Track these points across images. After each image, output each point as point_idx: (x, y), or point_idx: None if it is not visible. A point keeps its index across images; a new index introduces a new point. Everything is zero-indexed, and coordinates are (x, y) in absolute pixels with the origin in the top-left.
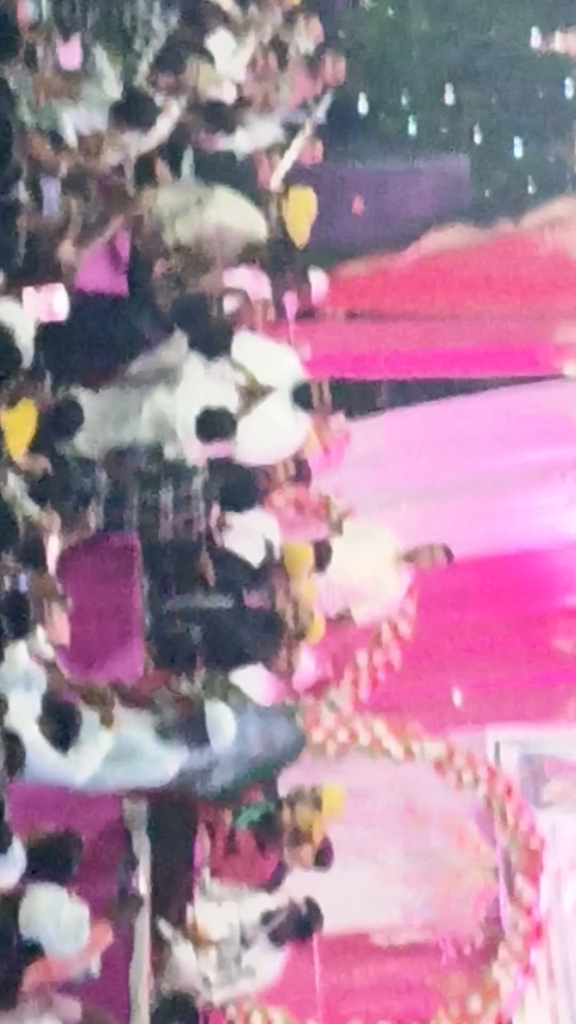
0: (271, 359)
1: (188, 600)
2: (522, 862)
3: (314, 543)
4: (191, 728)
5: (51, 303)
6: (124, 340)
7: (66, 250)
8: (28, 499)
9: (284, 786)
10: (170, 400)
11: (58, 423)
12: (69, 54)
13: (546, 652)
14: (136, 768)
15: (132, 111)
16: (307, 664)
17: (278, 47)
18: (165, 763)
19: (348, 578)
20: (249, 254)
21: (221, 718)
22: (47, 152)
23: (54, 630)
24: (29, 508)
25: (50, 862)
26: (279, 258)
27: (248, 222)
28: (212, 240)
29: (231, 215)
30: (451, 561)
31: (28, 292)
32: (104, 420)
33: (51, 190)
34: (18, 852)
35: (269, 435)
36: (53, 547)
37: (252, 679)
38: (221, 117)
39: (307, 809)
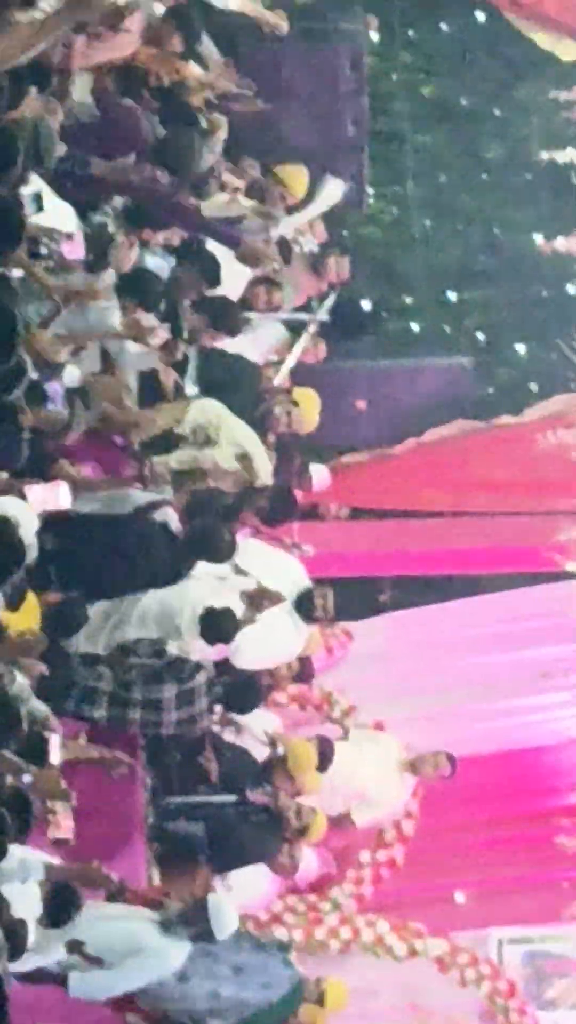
0: (277, 566)
1: (191, 796)
2: None
3: (318, 740)
4: (194, 920)
5: (56, 499)
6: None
7: (63, 467)
8: (35, 698)
9: None
10: (176, 598)
11: (61, 623)
12: (73, 248)
13: (549, 850)
14: (140, 964)
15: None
16: (310, 861)
17: (283, 247)
18: (169, 955)
19: (351, 781)
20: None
21: (223, 909)
22: (52, 349)
23: (58, 827)
24: (36, 706)
25: None
26: (281, 454)
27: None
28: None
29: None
30: (454, 770)
31: (32, 489)
32: (107, 618)
33: (56, 387)
34: None
35: (269, 642)
36: (56, 743)
37: (254, 876)
38: (225, 318)
39: (310, 1005)
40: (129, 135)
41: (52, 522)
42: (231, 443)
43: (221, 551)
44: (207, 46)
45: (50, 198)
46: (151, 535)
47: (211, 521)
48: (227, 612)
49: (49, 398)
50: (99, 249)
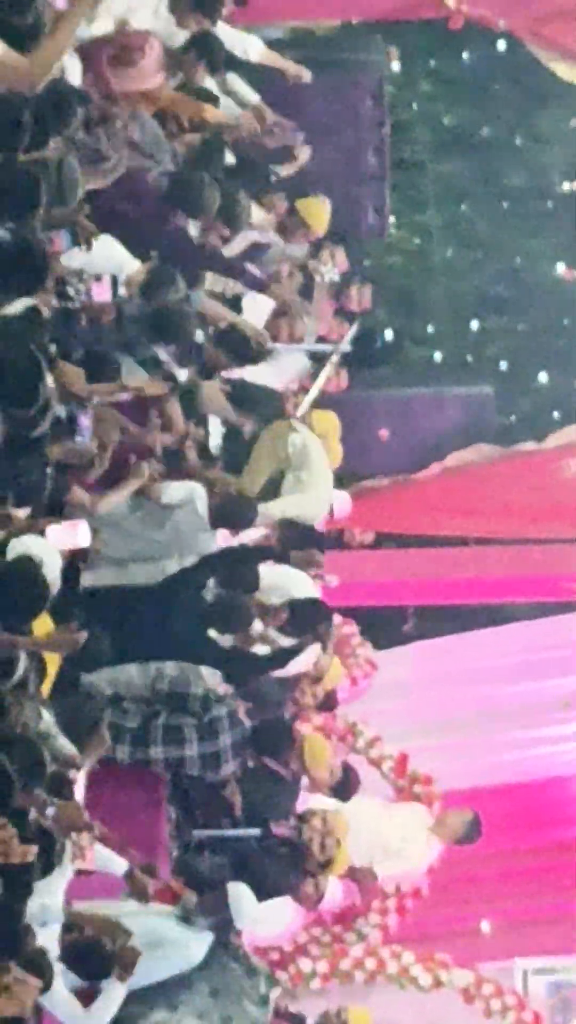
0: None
1: (215, 830)
2: None
3: (343, 765)
4: (214, 909)
5: (74, 538)
6: None
7: (76, 493)
8: (62, 735)
9: (311, 1014)
10: None
11: (84, 658)
12: (101, 291)
13: (573, 880)
14: (163, 957)
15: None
16: (334, 891)
17: (304, 277)
18: (191, 946)
19: (378, 834)
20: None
21: (242, 897)
22: (80, 382)
23: (83, 858)
24: (63, 743)
25: None
26: None
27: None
28: None
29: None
30: (479, 834)
31: (52, 528)
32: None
33: (84, 419)
34: None
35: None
36: (80, 776)
37: (279, 908)
38: (247, 351)
39: None
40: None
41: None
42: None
43: (243, 623)
44: (240, 85)
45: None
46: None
47: (239, 598)
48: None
49: (77, 432)
50: None
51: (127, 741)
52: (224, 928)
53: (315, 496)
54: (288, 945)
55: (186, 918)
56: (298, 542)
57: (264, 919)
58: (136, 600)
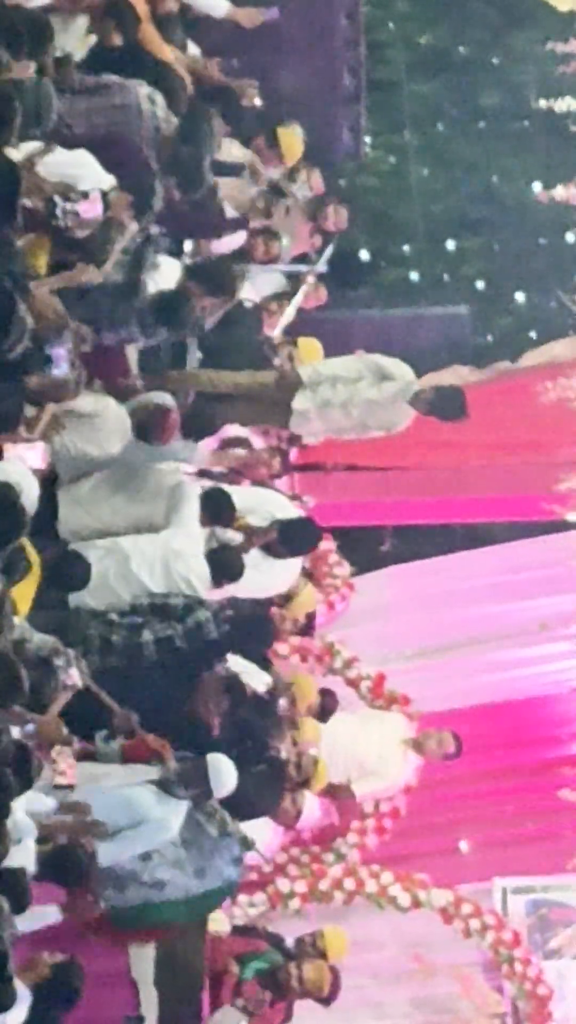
0: (257, 499)
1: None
2: (530, 1011)
3: (321, 690)
4: (194, 780)
5: (34, 459)
6: None
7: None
8: (38, 633)
9: (289, 934)
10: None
11: (62, 577)
12: (91, 207)
13: (552, 800)
14: (141, 834)
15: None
16: (312, 808)
17: (280, 197)
18: (170, 822)
19: (354, 752)
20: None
21: (222, 768)
22: (53, 310)
23: (62, 774)
24: (42, 639)
25: (55, 994)
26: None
27: None
28: None
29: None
30: (459, 751)
31: (6, 446)
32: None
33: (60, 351)
34: (22, 990)
35: (263, 571)
36: (75, 675)
37: (258, 828)
38: (222, 281)
39: (315, 963)
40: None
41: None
42: None
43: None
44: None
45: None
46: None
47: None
48: (234, 550)
49: (53, 362)
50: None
51: (116, 653)
52: (202, 798)
53: None
54: (267, 865)
55: (166, 786)
56: None
57: None
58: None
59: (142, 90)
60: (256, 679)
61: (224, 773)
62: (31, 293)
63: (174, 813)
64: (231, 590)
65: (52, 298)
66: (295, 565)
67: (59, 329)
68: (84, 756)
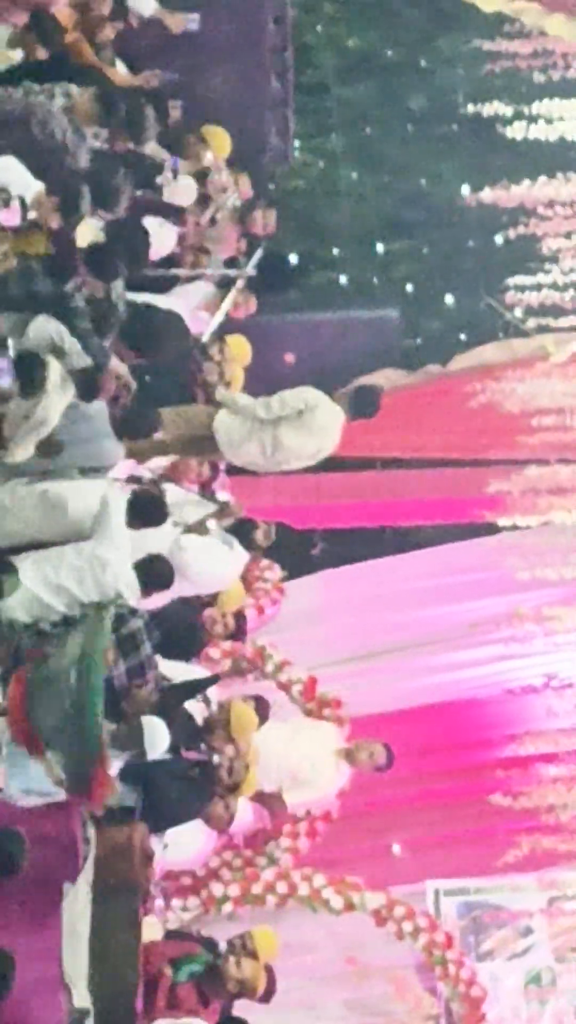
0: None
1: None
2: (464, 1012)
3: (254, 699)
4: (130, 743)
5: None
6: None
7: None
8: None
9: (223, 938)
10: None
11: None
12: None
13: (484, 802)
14: None
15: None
16: (244, 813)
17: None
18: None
19: (287, 762)
20: None
21: (156, 731)
22: None
23: None
24: None
25: None
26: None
27: None
28: None
29: None
30: (391, 762)
31: None
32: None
33: (2, 363)
34: None
35: (209, 562)
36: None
37: (190, 832)
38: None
39: (251, 961)
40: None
41: None
42: None
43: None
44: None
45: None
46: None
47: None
48: (163, 559)
49: None
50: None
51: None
52: (138, 758)
53: None
54: (200, 869)
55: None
56: None
57: (175, 843)
58: None
59: (58, 89)
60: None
61: (158, 735)
62: None
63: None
64: (183, 583)
65: None
66: (243, 554)
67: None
68: None
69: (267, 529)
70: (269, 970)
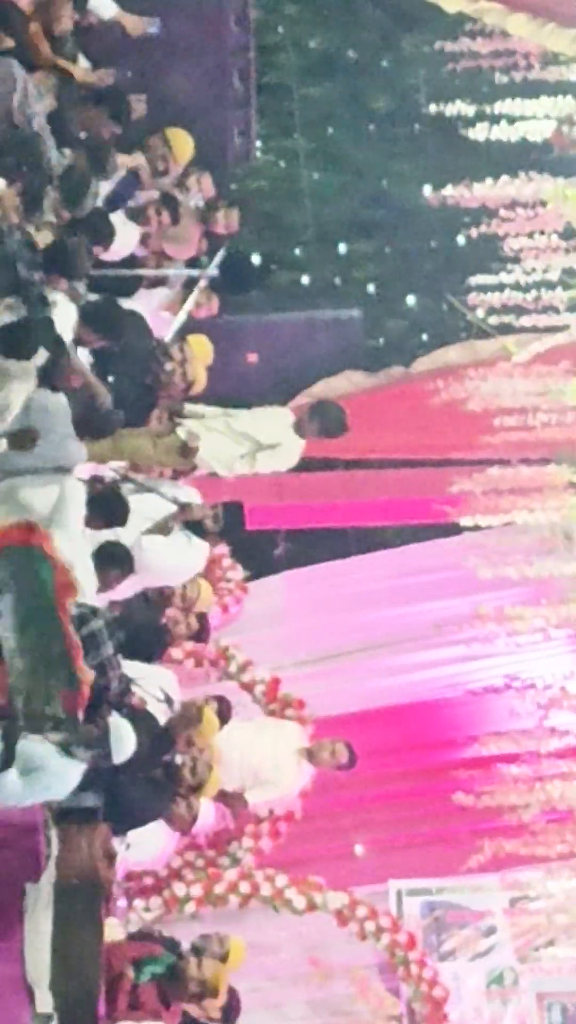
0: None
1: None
2: (426, 1012)
3: (216, 700)
4: (96, 744)
5: None
6: None
7: None
8: None
9: (185, 938)
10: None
11: None
12: None
13: (446, 803)
14: (38, 781)
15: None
16: (207, 813)
17: (170, 204)
18: (68, 776)
19: (249, 761)
20: None
21: (122, 733)
22: None
23: None
24: None
25: None
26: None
27: None
28: None
29: None
30: (353, 761)
31: None
32: None
33: None
34: None
35: (171, 555)
36: None
37: (152, 833)
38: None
39: (214, 961)
40: None
41: None
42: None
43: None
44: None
45: None
46: None
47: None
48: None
49: None
50: None
51: None
52: (102, 760)
53: None
54: (162, 870)
55: (67, 748)
56: None
57: (137, 843)
58: None
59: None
60: (152, 684)
61: (124, 738)
62: None
63: (74, 769)
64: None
65: None
66: (202, 544)
67: None
68: None
69: (215, 514)
70: (233, 993)
